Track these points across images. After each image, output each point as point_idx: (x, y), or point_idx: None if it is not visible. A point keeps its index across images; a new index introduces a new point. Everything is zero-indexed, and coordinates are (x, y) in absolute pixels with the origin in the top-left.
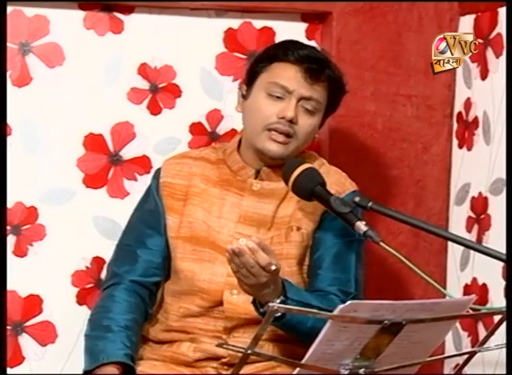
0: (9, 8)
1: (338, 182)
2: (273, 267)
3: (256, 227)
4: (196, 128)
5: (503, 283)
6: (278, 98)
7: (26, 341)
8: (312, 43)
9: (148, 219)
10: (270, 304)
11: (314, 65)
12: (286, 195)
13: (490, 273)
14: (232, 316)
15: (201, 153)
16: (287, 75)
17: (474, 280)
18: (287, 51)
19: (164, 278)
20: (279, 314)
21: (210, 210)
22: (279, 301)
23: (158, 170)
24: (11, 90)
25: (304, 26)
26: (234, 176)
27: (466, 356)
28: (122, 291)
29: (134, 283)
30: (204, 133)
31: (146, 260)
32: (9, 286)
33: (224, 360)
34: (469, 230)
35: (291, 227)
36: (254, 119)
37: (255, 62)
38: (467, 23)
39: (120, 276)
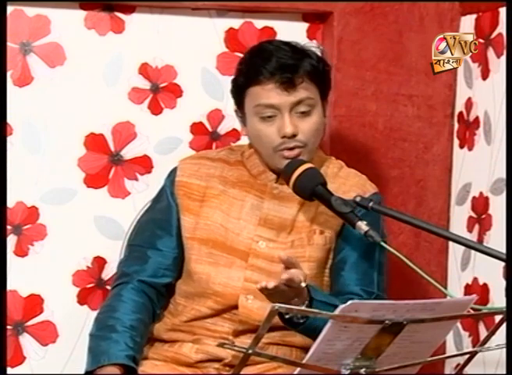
0: (10, 8)
1: (358, 184)
2: (302, 284)
3: (276, 231)
4: (197, 128)
5: (504, 283)
6: (270, 117)
7: (26, 341)
8: (313, 43)
9: (159, 220)
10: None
11: (287, 73)
12: None
13: (491, 273)
14: (246, 320)
15: (219, 154)
16: (266, 94)
17: (475, 279)
18: (256, 71)
19: (175, 279)
20: (302, 320)
21: (229, 211)
22: (304, 306)
23: (174, 170)
24: (12, 90)
25: (305, 26)
26: (254, 179)
27: (467, 356)
28: (130, 290)
29: (143, 283)
30: (205, 133)
31: (156, 261)
32: (10, 286)
33: (226, 361)
34: (470, 229)
35: (314, 230)
36: (260, 145)
37: (234, 87)
38: (468, 23)
39: (129, 275)
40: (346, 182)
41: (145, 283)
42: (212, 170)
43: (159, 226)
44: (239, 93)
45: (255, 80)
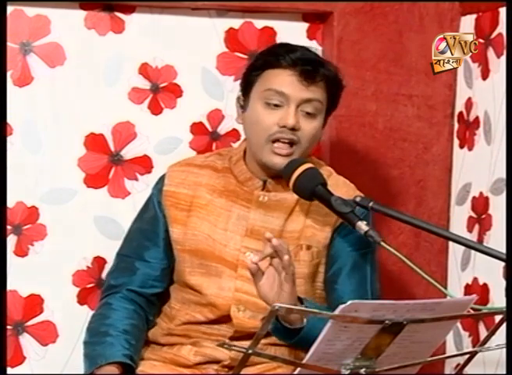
0: (10, 8)
1: (347, 194)
2: (286, 257)
3: (263, 242)
4: (197, 128)
5: (504, 283)
6: (276, 105)
7: (26, 341)
8: (313, 43)
9: (146, 231)
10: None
11: (308, 66)
12: (294, 208)
13: (491, 272)
14: (241, 330)
15: (207, 160)
16: (281, 80)
17: (475, 279)
18: (278, 56)
19: (165, 289)
20: (294, 338)
21: (216, 222)
22: (305, 321)
23: (162, 178)
24: (12, 89)
25: (305, 26)
26: (241, 187)
27: (467, 356)
28: (120, 299)
29: (132, 292)
30: (205, 133)
31: (144, 273)
32: (10, 286)
33: (225, 363)
34: (470, 229)
35: (300, 246)
36: (255, 131)
37: (248, 72)
38: (468, 22)
39: (117, 287)
40: (334, 192)
41: (134, 292)
42: (200, 178)
43: (146, 237)
44: (251, 75)
45: (276, 63)
